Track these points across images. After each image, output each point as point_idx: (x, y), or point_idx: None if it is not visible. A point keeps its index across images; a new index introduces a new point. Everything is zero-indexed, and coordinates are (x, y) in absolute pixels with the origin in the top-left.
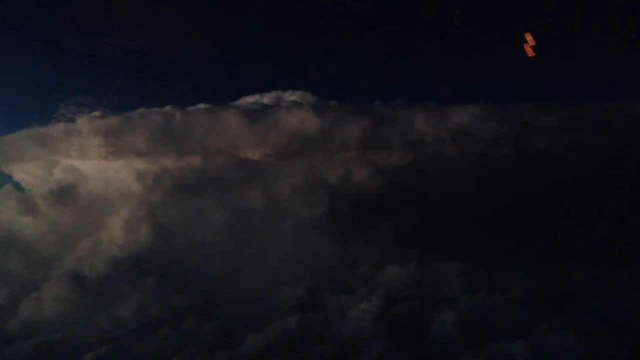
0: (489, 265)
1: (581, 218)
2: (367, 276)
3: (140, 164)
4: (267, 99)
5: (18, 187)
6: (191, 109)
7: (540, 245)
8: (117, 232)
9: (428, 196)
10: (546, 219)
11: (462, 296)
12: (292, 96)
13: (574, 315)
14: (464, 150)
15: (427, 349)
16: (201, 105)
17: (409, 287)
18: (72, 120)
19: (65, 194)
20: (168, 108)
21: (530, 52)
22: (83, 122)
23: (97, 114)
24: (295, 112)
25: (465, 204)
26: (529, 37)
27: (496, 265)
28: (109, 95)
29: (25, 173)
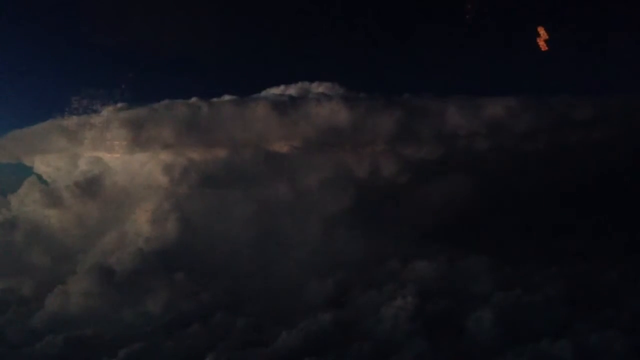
0: (519, 261)
1: (615, 214)
2: (395, 271)
3: (166, 156)
4: (292, 90)
5: (39, 179)
6: (216, 100)
7: (571, 241)
8: (143, 225)
9: (457, 190)
10: (578, 214)
11: (495, 293)
12: (319, 87)
13: (612, 314)
14: (497, 144)
15: (465, 347)
16: (226, 97)
17: (439, 282)
18: (96, 112)
19: (90, 186)
20: (194, 99)
21: (543, 46)
22: (107, 114)
23: (121, 105)
24: (325, 103)
25: (495, 198)
26: (541, 31)
27: (527, 262)
28: (131, 86)
29: (46, 165)
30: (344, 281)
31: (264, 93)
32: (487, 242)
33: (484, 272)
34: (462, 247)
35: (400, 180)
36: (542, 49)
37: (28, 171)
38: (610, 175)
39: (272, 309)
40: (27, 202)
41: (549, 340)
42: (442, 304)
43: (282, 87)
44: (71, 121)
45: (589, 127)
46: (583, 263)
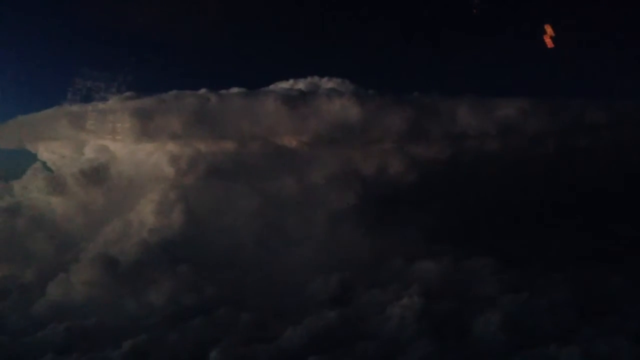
0: (526, 264)
1: (624, 218)
2: (399, 270)
3: (173, 147)
4: (302, 84)
5: (44, 166)
6: (225, 92)
7: (578, 245)
8: (148, 216)
9: (464, 191)
10: (587, 218)
11: (501, 295)
12: (329, 83)
13: (619, 320)
14: (506, 145)
15: (472, 350)
16: (235, 89)
17: (444, 283)
18: (103, 100)
19: (95, 175)
20: (202, 91)
21: (549, 44)
22: (114, 102)
23: (129, 94)
24: (335, 99)
25: (503, 200)
26: (548, 29)
27: (533, 265)
28: (140, 76)
29: (51, 152)
30: (348, 279)
31: (273, 87)
32: (493, 244)
33: (489, 274)
34: (467, 248)
35: (407, 179)
36: (549, 46)
37: (33, 158)
38: (619, 180)
39: (276, 304)
40: (30, 189)
41: (556, 346)
42: (448, 305)
43: (291, 81)
44: (77, 108)
45: (599, 131)
46: (590, 268)
